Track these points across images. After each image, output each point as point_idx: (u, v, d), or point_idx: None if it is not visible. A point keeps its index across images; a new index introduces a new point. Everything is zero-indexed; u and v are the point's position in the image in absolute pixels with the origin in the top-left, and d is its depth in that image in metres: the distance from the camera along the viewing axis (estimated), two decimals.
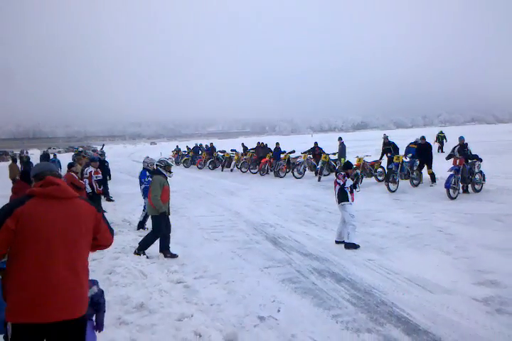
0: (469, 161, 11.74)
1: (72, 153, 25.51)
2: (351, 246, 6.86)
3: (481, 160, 11.96)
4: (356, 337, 3.98)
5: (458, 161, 11.47)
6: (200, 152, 26.16)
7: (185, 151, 28.61)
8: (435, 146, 25.48)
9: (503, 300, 4.64)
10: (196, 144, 28.26)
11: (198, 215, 10.24)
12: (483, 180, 11.87)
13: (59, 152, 45.85)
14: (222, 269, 6.11)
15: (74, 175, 8.61)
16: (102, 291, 3.29)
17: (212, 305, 4.84)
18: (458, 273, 5.55)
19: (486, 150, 21.60)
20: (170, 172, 6.93)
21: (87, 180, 9.13)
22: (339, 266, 6.10)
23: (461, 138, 12.90)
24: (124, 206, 11.75)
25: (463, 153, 11.89)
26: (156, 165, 6.97)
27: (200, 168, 23.73)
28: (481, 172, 11.86)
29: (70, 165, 8.75)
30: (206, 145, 26.18)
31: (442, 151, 25.06)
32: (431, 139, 15.09)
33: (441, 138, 26.05)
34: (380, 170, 14.86)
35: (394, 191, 12.33)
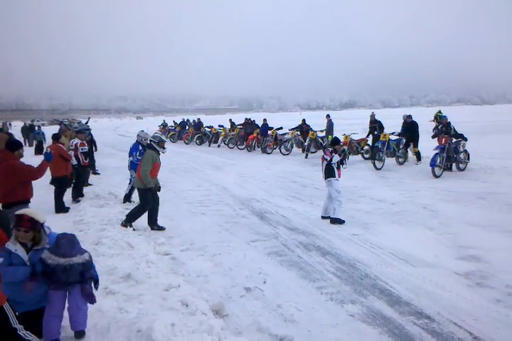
0: (454, 140, 11.85)
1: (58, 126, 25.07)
2: (337, 221, 6.94)
3: (466, 139, 12.08)
4: (340, 308, 4.07)
5: (443, 140, 11.57)
6: (187, 127, 25.93)
7: (172, 126, 28.32)
8: (433, 126, 24.82)
9: (484, 275, 4.77)
10: (183, 119, 28.00)
11: (185, 189, 10.22)
12: (468, 159, 12.04)
13: (43, 124, 44.92)
14: (209, 242, 6.15)
15: (61, 146, 8.47)
16: (91, 258, 3.30)
17: (199, 276, 4.88)
18: (441, 248, 5.67)
19: (471, 130, 21.76)
20: (163, 148, 6.86)
21: (72, 152, 8.96)
22: (324, 240, 6.18)
23: (444, 118, 13.02)
24: (110, 179, 11.67)
25: (447, 131, 11.99)
26: (150, 140, 6.88)
27: (187, 143, 23.57)
28: (465, 151, 12.01)
29: (55, 136, 8.58)
30: (194, 121, 25.91)
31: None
32: (419, 118, 15.03)
33: (439, 118, 25.35)
34: (366, 147, 14.94)
35: (380, 169, 12.44)
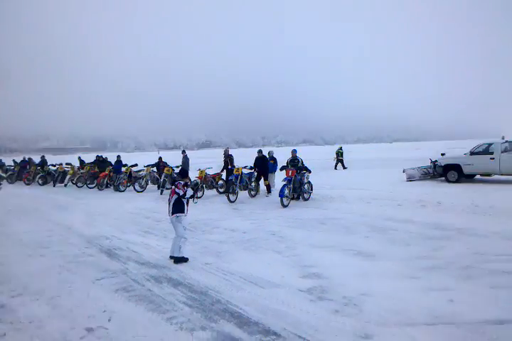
0: (300, 172, 12.86)
1: None
2: (182, 259, 6.50)
3: (310, 171, 13.20)
4: (190, 336, 3.94)
5: (290, 172, 12.46)
6: (28, 167, 23.54)
7: (10, 166, 25.43)
8: (334, 163, 26.27)
9: (324, 289, 5.11)
10: (24, 158, 25.41)
11: (21, 232, 9.10)
12: (311, 189, 13.14)
13: None
14: (47, 285, 5.50)
15: None
16: None
17: (31, 322, 4.29)
18: (287, 269, 5.95)
19: (315, 166, 24.13)
20: None
21: None
22: (177, 271, 6.02)
23: (294, 151, 14.16)
24: None
25: (293, 164, 13.02)
26: None
27: (27, 184, 21.32)
28: (309, 182, 13.10)
29: None
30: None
31: (345, 167, 25.64)
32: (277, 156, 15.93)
33: (341, 154, 26.06)
34: (221, 182, 15.32)
35: (233, 201, 12.81)
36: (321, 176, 19.65)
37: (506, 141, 15.62)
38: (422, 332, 3.89)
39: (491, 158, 15.04)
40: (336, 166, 25.97)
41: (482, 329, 3.89)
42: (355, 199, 12.35)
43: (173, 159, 26.42)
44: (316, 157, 42.24)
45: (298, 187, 12.56)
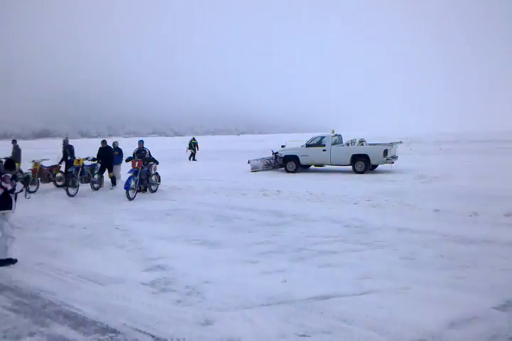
0: (147, 163, 12.52)
1: None
2: (9, 261, 5.86)
3: (157, 162, 12.95)
4: None
5: (136, 163, 12.05)
6: None
7: None
8: (188, 154, 26.34)
9: (168, 280, 5.09)
10: None
11: None
12: (159, 181, 12.95)
13: None
14: None
15: None
16: None
17: None
18: (130, 263, 5.78)
19: (165, 158, 23.87)
20: None
21: None
22: (2, 275, 5.37)
23: (140, 142, 13.73)
24: None
25: (140, 155, 12.67)
26: None
27: None
28: (157, 173, 12.88)
29: None
30: None
31: (194, 159, 25.86)
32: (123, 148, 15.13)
33: (193, 145, 26.40)
34: (59, 175, 14.10)
35: (73, 195, 11.93)
36: (170, 167, 19.51)
37: (336, 135, 17.58)
38: (258, 313, 4.15)
39: (323, 150, 16.75)
40: (190, 157, 26.21)
41: (311, 305, 4.30)
42: (202, 190, 12.57)
43: (2, 150, 23.40)
44: (166, 148, 41.84)
45: (145, 178, 12.26)
